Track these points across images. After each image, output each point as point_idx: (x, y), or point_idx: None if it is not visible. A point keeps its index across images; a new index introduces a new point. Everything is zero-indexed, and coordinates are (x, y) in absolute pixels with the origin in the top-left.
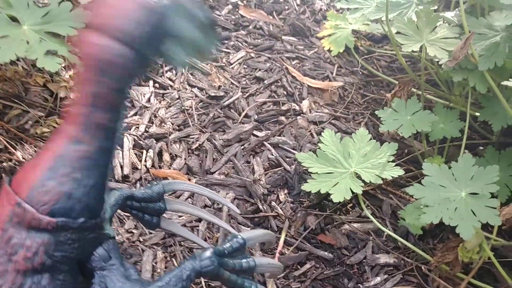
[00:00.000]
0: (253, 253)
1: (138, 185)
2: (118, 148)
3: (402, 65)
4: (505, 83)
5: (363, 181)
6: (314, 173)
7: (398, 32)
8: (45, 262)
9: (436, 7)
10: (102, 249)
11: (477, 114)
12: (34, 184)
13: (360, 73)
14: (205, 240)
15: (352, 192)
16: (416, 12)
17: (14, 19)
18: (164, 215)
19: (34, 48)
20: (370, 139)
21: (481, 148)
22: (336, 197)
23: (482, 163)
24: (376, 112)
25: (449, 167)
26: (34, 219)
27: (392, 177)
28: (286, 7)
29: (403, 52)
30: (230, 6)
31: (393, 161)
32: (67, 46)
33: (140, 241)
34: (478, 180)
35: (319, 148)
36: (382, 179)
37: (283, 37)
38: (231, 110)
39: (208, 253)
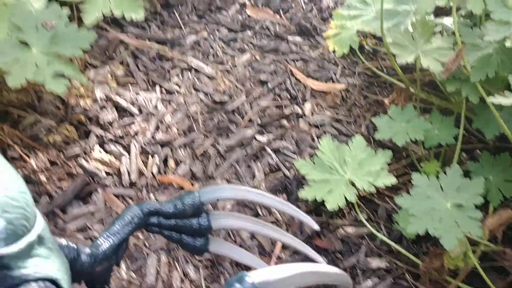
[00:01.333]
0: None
1: (145, 192)
2: (125, 154)
3: (399, 75)
4: (490, 99)
5: (357, 188)
6: (311, 179)
7: (394, 42)
8: None
9: (432, 18)
10: None
11: None
12: None
13: (364, 74)
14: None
15: (346, 200)
16: (412, 22)
17: (23, 42)
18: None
19: (42, 71)
20: (367, 144)
21: (478, 152)
22: (330, 205)
23: (476, 168)
24: (373, 119)
25: (437, 177)
26: None
27: (385, 184)
28: (293, 5)
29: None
30: (237, 6)
31: (390, 165)
32: (73, 66)
33: (146, 246)
34: (463, 191)
35: (316, 154)
36: (375, 187)
37: (289, 37)
38: (235, 114)
39: None
